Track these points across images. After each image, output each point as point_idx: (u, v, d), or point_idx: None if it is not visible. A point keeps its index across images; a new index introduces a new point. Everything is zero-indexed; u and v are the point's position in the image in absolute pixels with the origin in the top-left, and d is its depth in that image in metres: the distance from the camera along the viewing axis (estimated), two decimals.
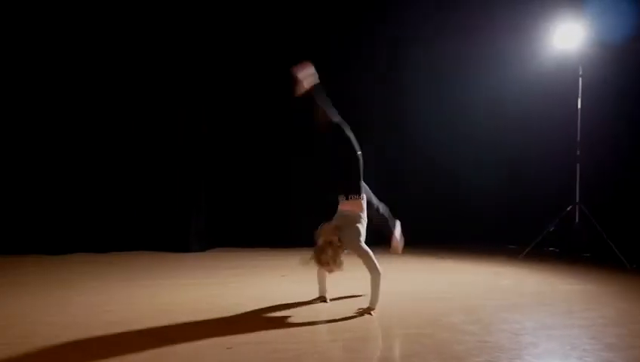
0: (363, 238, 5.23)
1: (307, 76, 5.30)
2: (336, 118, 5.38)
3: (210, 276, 6.87)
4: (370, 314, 5.11)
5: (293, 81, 5.26)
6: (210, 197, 8.82)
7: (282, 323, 4.94)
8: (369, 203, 5.52)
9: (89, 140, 8.45)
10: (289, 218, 8.98)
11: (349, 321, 4.95)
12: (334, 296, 5.77)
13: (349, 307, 5.41)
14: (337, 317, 5.07)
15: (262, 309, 5.36)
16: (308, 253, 5.22)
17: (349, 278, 5.84)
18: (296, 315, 5.17)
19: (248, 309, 5.34)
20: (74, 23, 8.28)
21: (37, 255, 8.04)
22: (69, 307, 5.36)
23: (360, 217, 5.32)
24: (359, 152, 5.41)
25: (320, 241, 5.18)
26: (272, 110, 8.97)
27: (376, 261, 5.17)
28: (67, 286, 6.23)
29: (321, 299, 5.62)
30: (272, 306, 5.41)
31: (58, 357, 4.10)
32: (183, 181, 8.68)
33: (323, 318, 5.07)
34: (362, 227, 5.28)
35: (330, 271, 5.24)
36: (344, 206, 5.40)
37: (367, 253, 5.17)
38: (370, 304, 5.18)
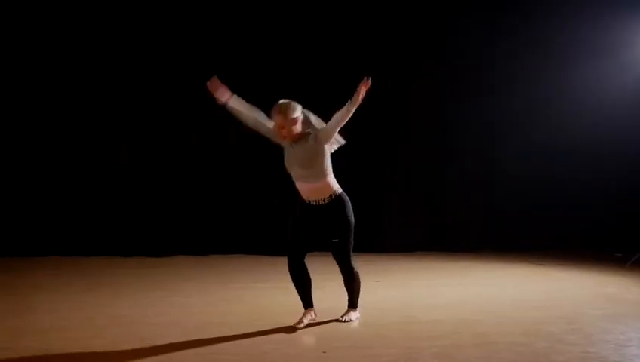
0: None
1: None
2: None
3: None
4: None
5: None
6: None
7: (376, 327, 4.91)
8: None
9: (193, 144, 8.66)
10: (384, 222, 8.91)
11: (442, 328, 4.87)
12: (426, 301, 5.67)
13: (444, 313, 5.33)
14: (431, 323, 5.00)
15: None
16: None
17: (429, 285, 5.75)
18: (390, 320, 5.13)
19: (341, 314, 5.31)
20: (105, 22, 8.53)
21: (140, 257, 8.29)
22: (167, 308, 5.49)
23: None
24: None
25: None
26: (367, 109, 8.90)
27: None
28: (167, 287, 6.39)
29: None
30: (367, 311, 5.37)
31: (154, 356, 4.20)
32: (281, 183, 8.75)
33: (417, 324, 5.01)
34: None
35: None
36: None
37: None
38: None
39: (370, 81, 4.61)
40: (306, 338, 4.64)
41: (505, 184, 9.01)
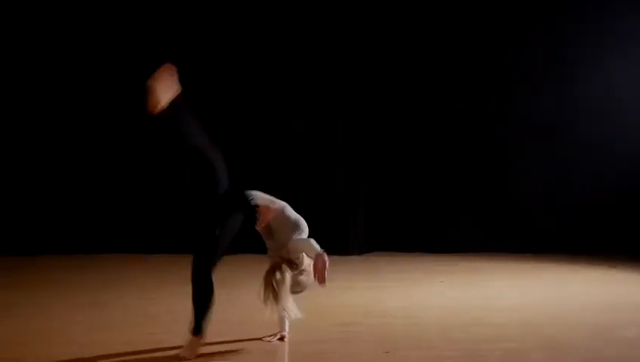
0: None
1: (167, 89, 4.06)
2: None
3: (367, 280, 6.85)
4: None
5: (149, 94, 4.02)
6: (371, 199, 8.80)
7: (440, 328, 4.84)
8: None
9: (253, 144, 8.73)
10: (450, 222, 8.78)
11: (507, 330, 4.76)
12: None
13: (508, 315, 5.21)
14: (495, 326, 4.89)
15: (418, 315, 5.28)
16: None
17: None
18: (453, 321, 5.04)
19: (404, 314, 5.27)
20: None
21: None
22: (229, 306, 5.50)
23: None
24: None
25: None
26: (434, 109, 8.80)
27: None
28: (229, 285, 6.38)
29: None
30: (429, 312, 5.32)
31: (215, 353, 4.24)
32: (342, 183, 8.74)
33: (480, 326, 4.91)
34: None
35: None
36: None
37: None
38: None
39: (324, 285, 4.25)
40: (367, 337, 4.59)
41: (571, 184, 8.77)
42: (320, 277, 4.21)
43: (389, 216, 8.82)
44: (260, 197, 4.41)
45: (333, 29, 8.69)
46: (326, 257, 4.22)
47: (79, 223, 8.47)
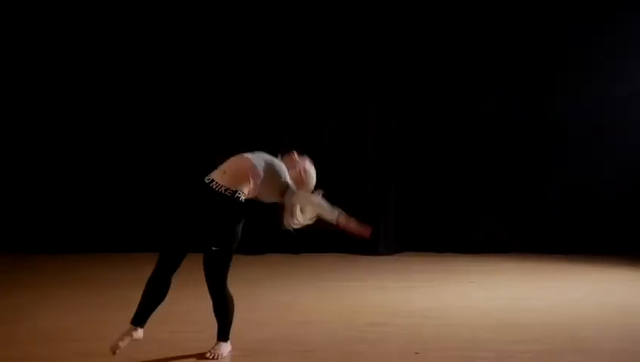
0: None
1: None
2: None
3: (397, 280, 6.84)
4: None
5: None
6: (401, 200, 8.78)
7: (470, 329, 4.82)
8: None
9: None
10: (480, 223, 8.73)
11: (538, 331, 4.74)
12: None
13: (540, 316, 5.18)
14: (527, 326, 4.87)
15: (448, 315, 5.27)
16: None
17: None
18: (484, 322, 5.03)
19: (434, 314, 5.27)
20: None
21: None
22: (257, 305, 5.55)
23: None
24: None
25: None
26: (463, 109, 8.76)
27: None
28: (257, 284, 6.45)
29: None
30: (459, 312, 5.30)
31: (249, 347, 4.28)
32: (372, 182, 8.73)
33: (512, 326, 4.89)
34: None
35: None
36: None
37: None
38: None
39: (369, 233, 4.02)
40: (398, 338, 4.60)
41: (607, 185, 8.68)
42: (359, 232, 4.00)
43: (419, 216, 8.80)
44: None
45: (366, 28, 8.67)
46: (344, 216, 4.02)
47: (114, 223, 8.57)
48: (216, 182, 4.00)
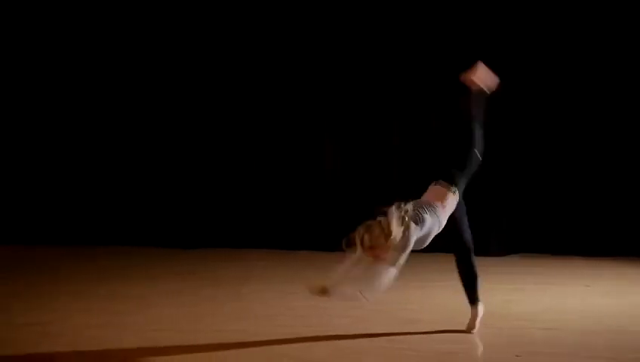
0: (409, 247, 4.13)
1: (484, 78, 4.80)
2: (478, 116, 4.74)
3: (506, 281, 6.62)
4: None
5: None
6: (515, 197, 8.55)
7: (579, 334, 4.64)
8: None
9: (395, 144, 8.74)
10: (597, 224, 8.37)
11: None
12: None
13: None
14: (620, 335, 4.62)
15: (556, 319, 5.08)
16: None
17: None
18: (595, 328, 4.82)
19: (541, 317, 5.10)
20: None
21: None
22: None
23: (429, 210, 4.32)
24: (477, 153, 4.75)
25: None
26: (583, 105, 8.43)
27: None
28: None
29: None
30: (568, 316, 5.11)
31: (343, 346, 4.29)
32: (485, 183, 8.55)
33: (624, 333, 4.66)
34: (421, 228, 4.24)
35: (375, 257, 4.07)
36: (427, 193, 4.52)
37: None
38: None
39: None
40: (498, 340, 4.49)
41: None
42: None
43: (533, 216, 8.55)
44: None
45: (435, 32, 8.45)
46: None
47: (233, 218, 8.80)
48: None
